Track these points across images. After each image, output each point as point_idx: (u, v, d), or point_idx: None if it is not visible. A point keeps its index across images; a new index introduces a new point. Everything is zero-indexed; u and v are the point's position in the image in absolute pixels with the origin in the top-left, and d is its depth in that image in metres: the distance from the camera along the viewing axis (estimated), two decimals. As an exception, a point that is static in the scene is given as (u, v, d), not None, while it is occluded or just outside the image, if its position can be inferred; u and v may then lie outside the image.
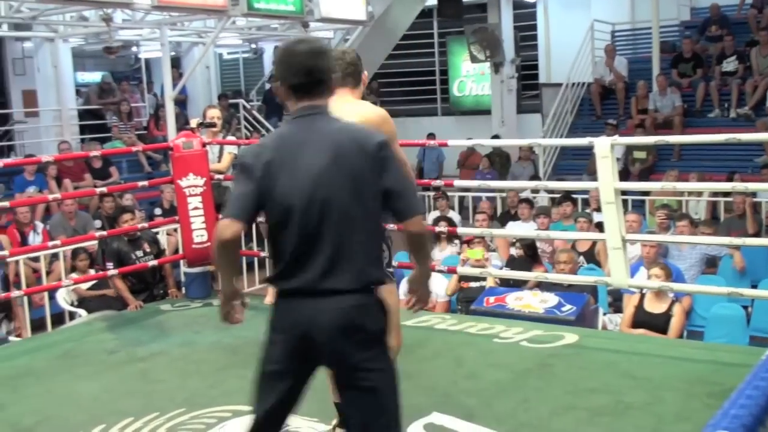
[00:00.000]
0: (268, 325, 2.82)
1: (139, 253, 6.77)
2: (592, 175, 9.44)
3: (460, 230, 7.23)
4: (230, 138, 8.32)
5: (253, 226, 8.05)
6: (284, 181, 2.67)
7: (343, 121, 2.81)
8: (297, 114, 2.79)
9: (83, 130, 13.59)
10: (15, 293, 6.23)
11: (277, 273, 2.80)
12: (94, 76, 17.06)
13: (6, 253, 6.27)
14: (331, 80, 2.81)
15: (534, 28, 15.46)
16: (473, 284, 6.90)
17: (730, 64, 12.71)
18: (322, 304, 2.71)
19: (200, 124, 6.62)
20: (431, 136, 13.70)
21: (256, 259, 8.23)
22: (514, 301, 6.02)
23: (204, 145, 6.44)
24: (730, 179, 9.65)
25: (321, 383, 4.52)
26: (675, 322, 5.95)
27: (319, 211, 2.67)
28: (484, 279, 6.78)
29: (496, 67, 14.90)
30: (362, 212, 2.69)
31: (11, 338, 6.40)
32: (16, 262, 7.32)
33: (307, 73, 2.73)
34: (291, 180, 2.68)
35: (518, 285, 6.65)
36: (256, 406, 2.85)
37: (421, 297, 3.11)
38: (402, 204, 2.76)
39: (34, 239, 8.80)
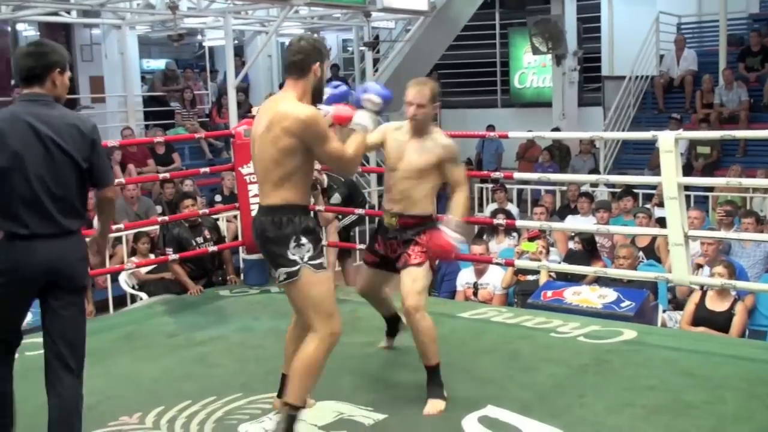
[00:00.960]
0: None
1: (199, 239, 6.86)
2: (654, 169, 9.34)
3: (519, 223, 7.17)
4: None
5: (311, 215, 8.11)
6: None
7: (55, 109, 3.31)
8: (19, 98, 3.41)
9: (147, 116, 13.82)
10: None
11: None
12: (159, 64, 17.32)
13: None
14: (46, 75, 3.30)
15: (598, 19, 15.24)
16: (530, 277, 6.86)
17: (799, 59, 12.40)
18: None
19: (261, 113, 6.66)
20: (491, 127, 13.63)
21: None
22: (572, 295, 5.97)
23: (265, 133, 6.48)
24: (796, 176, 9.42)
25: (376, 371, 4.56)
26: (737, 321, 5.84)
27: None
28: (539, 272, 6.73)
29: (558, 59, 14.75)
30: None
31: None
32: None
33: (23, 69, 3.35)
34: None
35: (576, 279, 6.59)
36: None
37: (99, 250, 3.74)
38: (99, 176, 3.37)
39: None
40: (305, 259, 3.50)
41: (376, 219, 10.84)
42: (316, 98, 3.61)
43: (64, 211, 3.25)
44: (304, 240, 3.50)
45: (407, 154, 4.15)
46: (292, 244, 3.49)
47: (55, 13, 12.47)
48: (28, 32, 16.25)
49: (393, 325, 4.82)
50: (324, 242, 6.31)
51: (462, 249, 4.96)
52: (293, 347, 3.72)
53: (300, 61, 3.53)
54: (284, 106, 3.48)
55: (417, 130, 4.17)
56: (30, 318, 5.44)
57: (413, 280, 4.08)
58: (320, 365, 3.56)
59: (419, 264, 4.11)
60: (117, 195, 3.89)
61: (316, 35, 18.14)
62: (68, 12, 12.70)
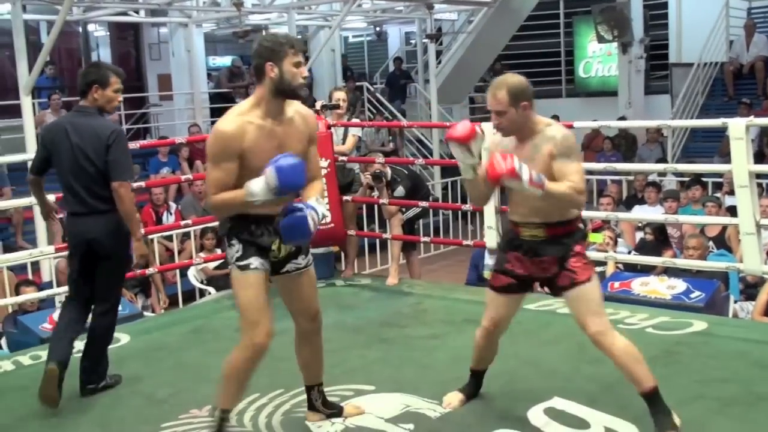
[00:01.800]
0: None
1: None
2: (725, 157, 9.13)
3: (585, 214, 7.08)
4: (355, 120, 8.43)
5: (375, 207, 8.16)
6: None
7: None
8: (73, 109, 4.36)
9: (214, 113, 14.02)
10: (149, 270, 6.51)
11: None
12: (225, 60, 17.54)
13: (142, 231, 6.53)
14: (88, 91, 4.24)
15: (665, 6, 14.94)
16: (597, 269, 6.78)
17: None
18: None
19: (324, 106, 6.70)
20: (555, 117, 13.47)
21: (378, 241, 8.33)
22: (640, 286, 5.88)
23: (329, 127, 6.53)
24: None
25: (440, 364, 4.56)
26: (813, 312, 5.69)
27: None
28: (604, 264, 6.65)
29: (624, 47, 14.50)
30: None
31: (146, 314, 6.69)
32: (151, 240, 7.65)
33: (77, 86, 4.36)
34: None
35: (645, 270, 6.49)
36: None
37: (137, 251, 4.38)
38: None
39: (168, 219, 9.16)
40: (233, 259, 3.40)
41: (440, 212, 10.92)
42: (289, 97, 3.35)
43: (91, 196, 4.20)
44: (234, 241, 3.40)
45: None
46: (227, 244, 3.45)
47: (124, 13, 12.76)
48: (98, 32, 16.64)
49: (479, 381, 4.05)
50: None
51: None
52: (300, 354, 3.76)
53: (256, 66, 3.32)
54: None
55: (519, 136, 3.57)
56: None
57: (586, 301, 3.52)
58: (242, 373, 3.47)
59: (587, 280, 3.52)
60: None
61: (379, 28, 18.08)
62: (137, 12, 12.98)
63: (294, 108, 3.43)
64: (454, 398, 3.96)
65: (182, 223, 7.04)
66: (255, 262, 3.39)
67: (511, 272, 3.68)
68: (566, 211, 3.56)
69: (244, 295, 3.40)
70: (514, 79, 3.58)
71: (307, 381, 3.80)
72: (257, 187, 3.21)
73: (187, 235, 7.96)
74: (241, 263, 3.39)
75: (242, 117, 3.29)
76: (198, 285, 7.35)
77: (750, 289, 6.57)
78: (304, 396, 4.03)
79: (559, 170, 3.44)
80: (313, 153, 3.55)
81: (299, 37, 12.67)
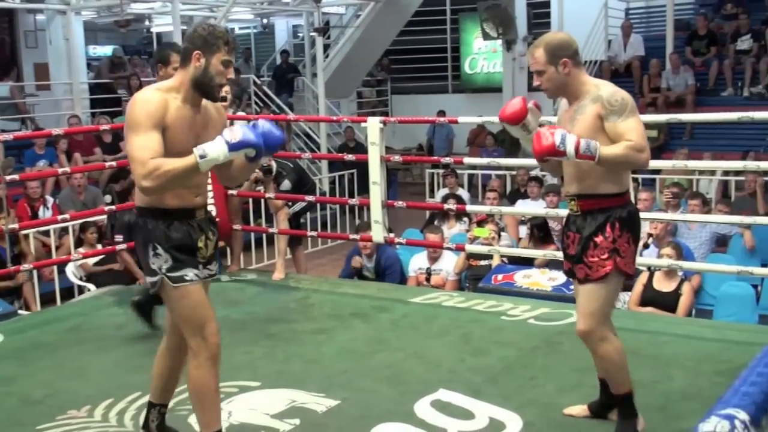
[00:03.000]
0: None
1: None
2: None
3: (469, 208, 7.20)
4: (240, 113, 8.30)
5: (261, 202, 8.07)
6: None
7: None
8: None
9: (94, 104, 13.58)
10: (24, 267, 6.26)
11: None
12: (106, 50, 17.05)
13: (16, 226, 6.28)
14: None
15: (548, 5, 15.32)
16: (482, 262, 6.90)
17: (744, 43, 12.61)
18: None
19: (209, 99, 6.58)
20: (441, 113, 13.66)
21: (264, 236, 8.24)
22: (522, 278, 6.02)
23: (214, 120, 6.41)
24: (744, 158, 9.58)
25: (326, 359, 4.55)
26: (684, 301, 5.94)
27: None
28: (492, 257, 6.78)
29: (509, 45, 14.80)
30: None
31: (21, 312, 6.43)
32: (26, 236, 7.35)
33: None
34: None
35: (528, 263, 6.64)
36: None
37: None
38: None
39: (44, 213, 8.83)
40: (163, 270, 3.12)
41: (327, 206, 10.92)
42: (202, 93, 3.14)
43: None
44: (159, 250, 3.12)
45: (567, 127, 3.26)
46: (150, 252, 3.13)
47: (-2, -1, 12.21)
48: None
49: (608, 395, 3.59)
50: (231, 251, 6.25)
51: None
52: (159, 364, 3.46)
53: (184, 50, 3.14)
54: None
55: (568, 98, 3.37)
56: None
57: (589, 300, 3.32)
58: (210, 383, 3.19)
59: (601, 279, 3.27)
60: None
61: (266, 21, 17.87)
62: (11, -2, 12.44)
63: (206, 102, 3.23)
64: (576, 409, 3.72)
65: (60, 217, 6.77)
66: (189, 273, 3.14)
67: (565, 251, 3.45)
68: (603, 182, 3.27)
69: (184, 305, 3.14)
70: (553, 35, 3.37)
71: (153, 396, 3.49)
72: (211, 144, 2.94)
73: (65, 230, 7.69)
74: (174, 275, 3.12)
75: (162, 93, 3.09)
76: (77, 282, 7.11)
77: (627, 281, 6.80)
78: (188, 394, 3.96)
79: (613, 131, 3.18)
80: None
81: (184, 27, 12.42)
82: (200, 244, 3.19)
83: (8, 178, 6.23)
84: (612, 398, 3.51)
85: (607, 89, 3.25)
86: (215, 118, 3.26)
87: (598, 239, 3.27)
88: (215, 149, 2.93)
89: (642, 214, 5.64)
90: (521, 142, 3.48)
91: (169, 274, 3.12)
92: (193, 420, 3.73)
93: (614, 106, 3.19)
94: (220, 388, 3.27)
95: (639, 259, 5.33)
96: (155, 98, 3.05)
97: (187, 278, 3.13)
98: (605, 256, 3.26)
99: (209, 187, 6.25)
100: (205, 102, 3.21)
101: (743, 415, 1.49)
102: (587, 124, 3.21)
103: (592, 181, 3.28)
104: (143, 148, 2.96)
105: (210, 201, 6.31)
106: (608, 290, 3.31)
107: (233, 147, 2.93)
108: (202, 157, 2.93)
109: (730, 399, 2.15)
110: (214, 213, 6.24)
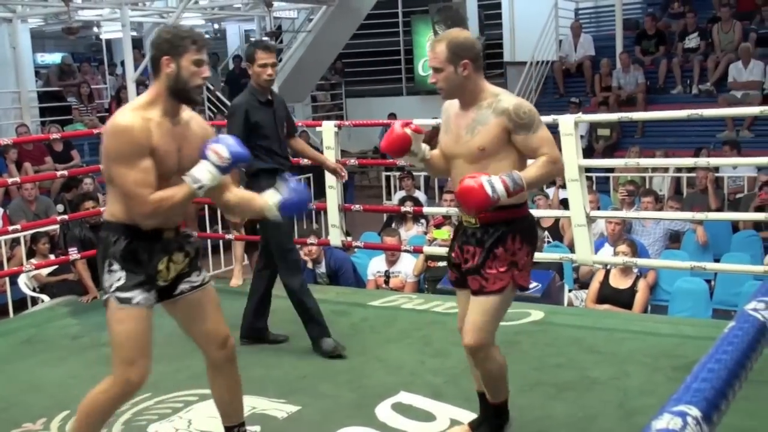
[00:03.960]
0: None
1: (103, 238, 6.67)
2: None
3: (426, 210, 7.22)
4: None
5: (217, 208, 8.01)
6: None
7: None
8: None
9: (43, 112, 13.38)
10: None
11: None
12: (54, 58, 16.80)
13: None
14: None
15: (498, 6, 15.44)
16: (441, 264, 6.91)
17: (692, 41, 12.80)
18: None
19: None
20: (392, 116, 13.68)
21: (221, 242, 8.18)
22: (481, 279, 6.03)
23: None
24: (696, 155, 9.74)
25: (287, 363, 4.52)
26: (639, 297, 6.01)
27: None
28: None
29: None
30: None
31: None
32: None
33: None
34: None
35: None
36: None
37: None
38: None
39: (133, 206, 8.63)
40: (112, 288, 2.94)
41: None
42: (181, 100, 2.98)
43: None
44: (115, 266, 2.95)
45: (460, 134, 3.14)
46: (106, 267, 2.97)
47: (-59, 7, 11.98)
48: None
49: (486, 407, 3.47)
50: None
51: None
52: (213, 388, 3.29)
53: (152, 59, 2.96)
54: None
55: (461, 102, 3.18)
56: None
57: (482, 312, 3.14)
58: (106, 410, 3.05)
59: (497, 291, 3.12)
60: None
61: (217, 26, 17.78)
62: (-45, 5, 12.21)
63: (188, 113, 3.06)
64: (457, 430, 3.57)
65: (11, 228, 6.66)
66: (138, 296, 2.95)
67: (453, 262, 3.30)
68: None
69: (122, 330, 2.94)
70: (458, 33, 3.16)
71: (225, 421, 3.29)
72: (200, 171, 2.87)
73: (16, 241, 7.55)
74: (121, 295, 2.94)
75: (141, 113, 2.89)
76: (30, 293, 6.99)
77: (581, 280, 6.87)
78: (146, 403, 3.92)
79: (524, 145, 3.05)
80: None
81: (134, 34, 12.29)
82: (160, 267, 3.02)
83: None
84: (488, 410, 3.42)
85: (509, 100, 3.09)
86: (198, 134, 3.05)
87: (498, 251, 3.11)
88: (206, 175, 2.88)
89: (595, 213, 5.72)
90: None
91: (117, 294, 2.94)
92: (152, 429, 3.69)
93: (522, 119, 3.03)
94: (179, 397, 3.23)
95: (595, 257, 5.39)
96: (137, 124, 2.85)
97: (134, 301, 2.94)
98: (503, 268, 3.11)
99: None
100: (187, 116, 3.04)
101: (695, 412, 1.49)
102: (491, 136, 3.05)
103: None
104: (140, 185, 2.83)
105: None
106: (502, 303, 3.16)
107: (226, 170, 2.92)
108: (199, 187, 2.89)
109: (682, 396, 2.16)
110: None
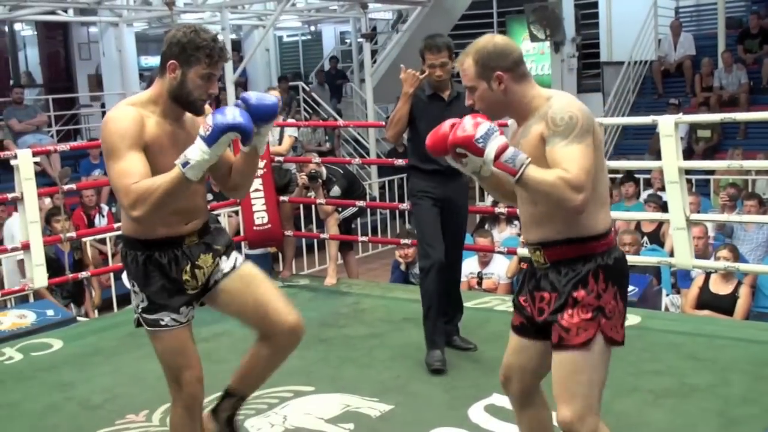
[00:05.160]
0: None
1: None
2: (655, 154, 9.31)
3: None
4: (290, 120, 8.38)
5: (312, 208, 8.13)
6: None
7: None
8: None
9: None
10: (82, 274, 6.39)
11: None
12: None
13: (73, 234, 6.41)
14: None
15: (595, 5, 15.19)
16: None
17: (798, 40, 12.37)
18: None
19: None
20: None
21: (315, 242, 8.29)
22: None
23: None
24: (799, 158, 9.40)
25: (379, 364, 4.56)
26: (741, 303, 5.84)
27: None
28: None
29: (557, 46, 14.70)
30: None
31: (80, 318, 6.55)
32: (83, 244, 7.49)
33: None
34: None
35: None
36: None
37: None
38: None
39: (100, 222, 8.98)
40: (139, 309, 2.84)
41: (378, 211, 10.94)
42: (183, 108, 2.75)
43: None
44: (137, 288, 2.82)
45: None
46: (130, 286, 2.86)
47: (53, 12, 12.48)
48: (25, 32, 16.27)
49: None
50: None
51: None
52: (253, 354, 3.12)
53: (161, 55, 2.74)
54: None
55: (515, 119, 2.64)
56: (34, 318, 5.49)
57: (571, 373, 2.52)
58: (183, 426, 2.95)
59: (581, 345, 2.49)
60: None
61: (313, 28, 17.96)
62: (65, 11, 12.71)
63: None
64: None
65: (115, 225, 6.91)
66: (165, 317, 2.81)
67: (520, 306, 2.72)
68: (575, 223, 2.48)
69: (160, 349, 2.87)
70: (487, 41, 2.56)
71: (234, 384, 3.14)
72: (190, 149, 2.54)
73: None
74: (149, 317, 2.82)
75: (138, 108, 2.70)
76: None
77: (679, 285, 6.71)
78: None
79: (550, 157, 2.40)
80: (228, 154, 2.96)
81: (233, 36, 12.52)
82: (186, 276, 2.83)
83: (65, 187, 6.35)
84: None
85: (557, 102, 2.47)
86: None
87: (579, 294, 2.48)
88: (195, 150, 2.53)
89: (695, 216, 5.58)
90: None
91: (144, 315, 2.83)
92: (249, 424, 3.78)
93: (558, 126, 2.39)
94: (275, 393, 3.26)
95: (695, 261, 5.26)
96: (128, 115, 2.66)
97: (162, 323, 2.81)
98: (587, 315, 2.48)
99: (259, 195, 6.36)
100: (191, 116, 2.82)
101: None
102: (530, 148, 2.46)
103: (559, 224, 2.50)
104: (124, 175, 2.58)
105: (262, 208, 6.42)
106: (592, 361, 2.52)
107: (210, 138, 2.52)
108: (184, 164, 2.53)
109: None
110: (266, 220, 6.35)
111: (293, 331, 3.00)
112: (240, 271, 2.95)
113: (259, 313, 2.95)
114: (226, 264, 2.94)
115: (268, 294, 2.97)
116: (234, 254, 2.98)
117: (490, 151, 2.37)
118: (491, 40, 2.57)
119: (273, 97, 2.76)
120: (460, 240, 4.80)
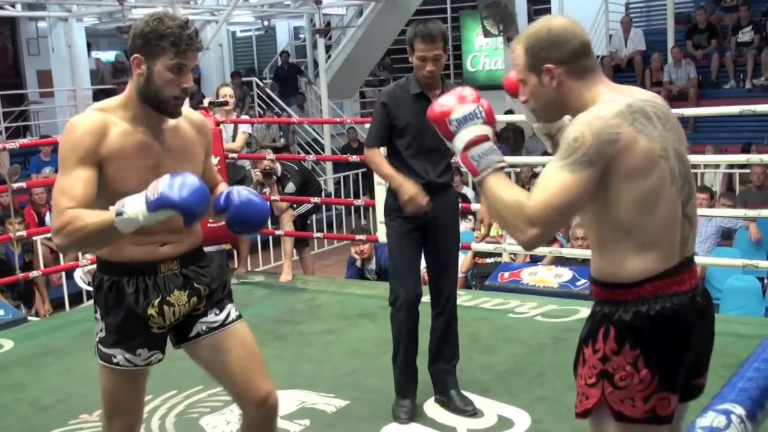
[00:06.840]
0: None
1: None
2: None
3: (475, 206, 7.20)
4: (244, 117, 8.34)
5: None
6: None
7: None
8: None
9: (97, 109, 13.61)
10: (33, 273, 6.30)
11: None
12: (108, 56, 17.09)
13: (23, 233, 6.32)
14: None
15: (548, 1, 15.35)
16: (488, 260, 6.91)
17: (745, 35, 12.61)
18: None
19: (212, 103, 6.62)
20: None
21: (270, 238, 8.27)
22: (529, 276, 6.03)
23: (218, 124, 6.45)
24: (746, 150, 9.58)
25: (335, 359, 4.57)
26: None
27: None
28: (499, 255, 6.79)
29: (510, 42, 14.82)
30: None
31: (31, 318, 6.46)
32: (34, 242, 7.38)
33: None
34: None
35: (534, 261, 6.66)
36: None
37: None
38: None
39: (51, 220, 8.87)
40: (96, 338, 2.52)
41: (333, 207, 10.94)
42: (155, 109, 2.39)
43: None
44: (98, 314, 2.50)
45: None
46: (94, 312, 2.54)
47: (0, 7, 12.26)
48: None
49: None
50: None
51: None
52: None
53: (126, 52, 2.41)
54: None
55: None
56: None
57: None
58: None
59: (580, 414, 2.07)
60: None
61: (267, 23, 17.80)
62: (12, 5, 12.50)
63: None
64: None
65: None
66: (119, 356, 2.47)
67: None
68: (604, 261, 2.02)
69: (102, 385, 2.54)
70: (542, 25, 2.05)
71: None
72: (133, 199, 2.17)
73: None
74: (102, 350, 2.49)
75: (104, 114, 2.37)
76: (85, 287, 7.14)
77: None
78: (198, 396, 3.99)
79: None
80: (210, 165, 2.68)
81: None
82: (152, 311, 2.45)
83: (15, 185, 6.26)
84: None
85: (585, 114, 1.95)
86: (192, 139, 2.52)
87: (587, 351, 2.05)
88: (133, 205, 2.15)
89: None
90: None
91: (99, 346, 2.51)
92: (204, 422, 3.77)
93: (562, 143, 1.93)
94: (225, 393, 3.23)
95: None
96: (87, 123, 2.33)
97: (114, 361, 2.47)
98: (592, 380, 2.01)
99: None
100: (176, 120, 2.47)
101: (740, 410, 1.48)
102: None
103: (596, 257, 2.07)
104: (63, 192, 2.26)
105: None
106: None
107: (151, 205, 2.14)
108: (118, 214, 2.17)
109: (727, 394, 2.16)
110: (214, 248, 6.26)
111: (262, 403, 2.60)
112: (229, 332, 2.57)
113: (236, 385, 2.58)
114: (215, 317, 2.56)
115: (249, 368, 2.58)
116: (228, 307, 2.60)
117: (460, 140, 1.98)
118: (547, 23, 2.05)
119: (262, 207, 2.49)
120: (450, 267, 3.89)
